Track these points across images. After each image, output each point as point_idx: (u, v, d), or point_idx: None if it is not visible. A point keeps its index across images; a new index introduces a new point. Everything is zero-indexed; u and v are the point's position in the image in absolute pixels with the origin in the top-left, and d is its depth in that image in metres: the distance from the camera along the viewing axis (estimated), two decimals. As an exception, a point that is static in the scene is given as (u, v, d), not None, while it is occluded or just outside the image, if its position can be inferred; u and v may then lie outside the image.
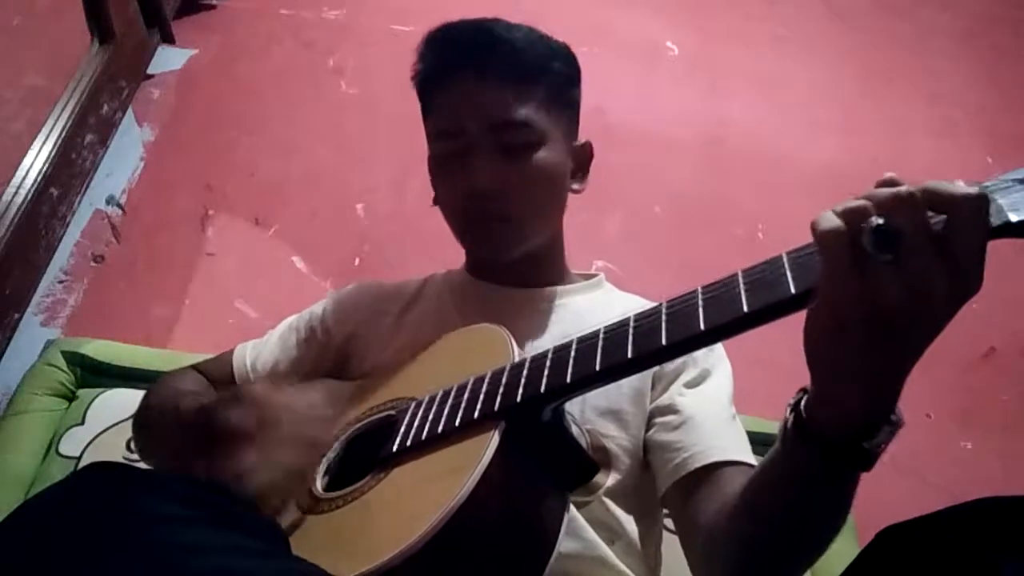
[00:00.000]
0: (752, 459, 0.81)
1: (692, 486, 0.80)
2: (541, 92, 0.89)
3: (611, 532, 0.82)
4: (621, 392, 0.86)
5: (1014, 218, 0.47)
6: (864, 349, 0.51)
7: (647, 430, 0.87)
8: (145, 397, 0.95)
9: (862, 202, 0.49)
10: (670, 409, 0.85)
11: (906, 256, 0.48)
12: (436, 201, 0.97)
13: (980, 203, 0.47)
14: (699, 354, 0.88)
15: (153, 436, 0.91)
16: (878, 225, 0.48)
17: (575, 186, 0.96)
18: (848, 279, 0.49)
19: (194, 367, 1.01)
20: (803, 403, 0.59)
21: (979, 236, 0.47)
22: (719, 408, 0.86)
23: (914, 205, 0.48)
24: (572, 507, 0.70)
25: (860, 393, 0.54)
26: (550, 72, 0.90)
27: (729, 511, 0.71)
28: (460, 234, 0.94)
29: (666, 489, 0.82)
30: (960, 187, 0.47)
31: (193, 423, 0.75)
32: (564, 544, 0.66)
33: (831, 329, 0.52)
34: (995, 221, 0.47)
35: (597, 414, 0.84)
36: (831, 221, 0.49)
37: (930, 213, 0.48)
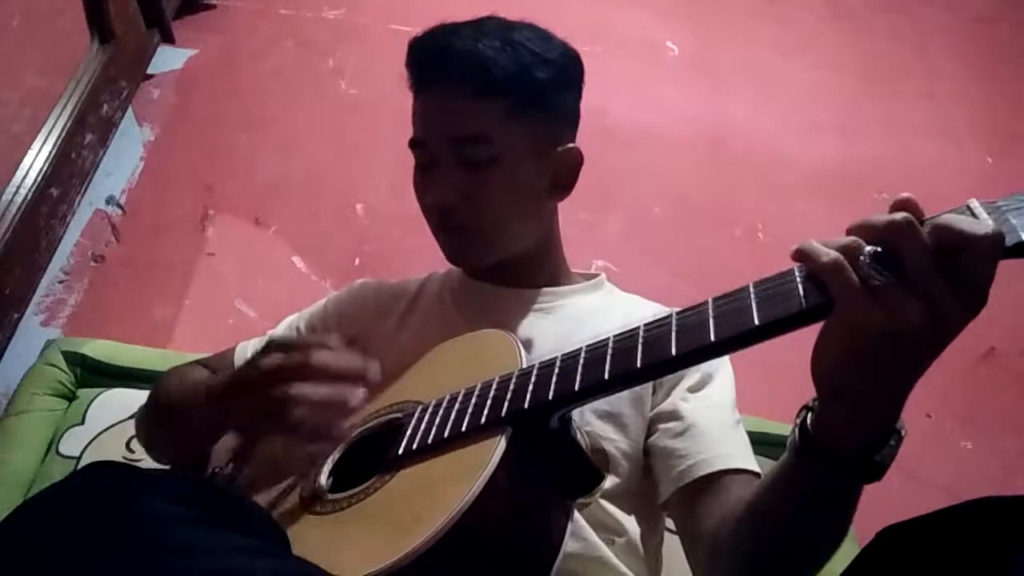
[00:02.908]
0: (755, 466, 0.81)
1: (695, 494, 0.80)
2: (505, 104, 0.86)
3: (612, 532, 0.82)
4: (621, 396, 0.86)
5: None
6: (877, 371, 0.53)
7: (649, 435, 0.86)
8: (153, 391, 0.95)
9: (850, 239, 0.51)
10: (673, 415, 0.85)
11: (911, 275, 0.49)
12: None
13: (997, 242, 0.48)
14: None
15: (169, 425, 0.90)
16: (875, 252, 0.50)
17: (556, 194, 0.94)
18: (863, 305, 0.50)
19: (198, 363, 1.01)
20: (809, 421, 0.59)
21: (992, 267, 0.48)
22: (722, 414, 0.86)
23: (911, 230, 0.49)
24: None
25: (871, 412, 0.56)
26: (523, 81, 0.86)
27: (735, 520, 0.71)
28: (436, 240, 0.94)
29: (669, 495, 0.82)
30: (973, 224, 0.48)
31: (233, 384, 0.75)
32: (566, 545, 0.66)
33: (844, 354, 0.53)
34: (1008, 242, 0.48)
35: (596, 417, 0.84)
36: (828, 255, 0.51)
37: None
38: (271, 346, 0.72)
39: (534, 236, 0.95)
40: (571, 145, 0.94)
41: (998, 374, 1.74)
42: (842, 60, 2.30)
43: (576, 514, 0.78)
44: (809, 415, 0.60)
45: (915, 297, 0.49)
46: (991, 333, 1.76)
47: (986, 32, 2.45)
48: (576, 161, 0.94)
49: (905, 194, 0.51)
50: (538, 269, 0.98)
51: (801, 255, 0.53)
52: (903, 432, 0.57)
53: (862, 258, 0.50)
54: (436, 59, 0.88)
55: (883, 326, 0.50)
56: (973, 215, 0.50)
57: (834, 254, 0.51)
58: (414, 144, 0.91)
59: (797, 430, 0.60)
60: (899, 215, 0.50)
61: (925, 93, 2.26)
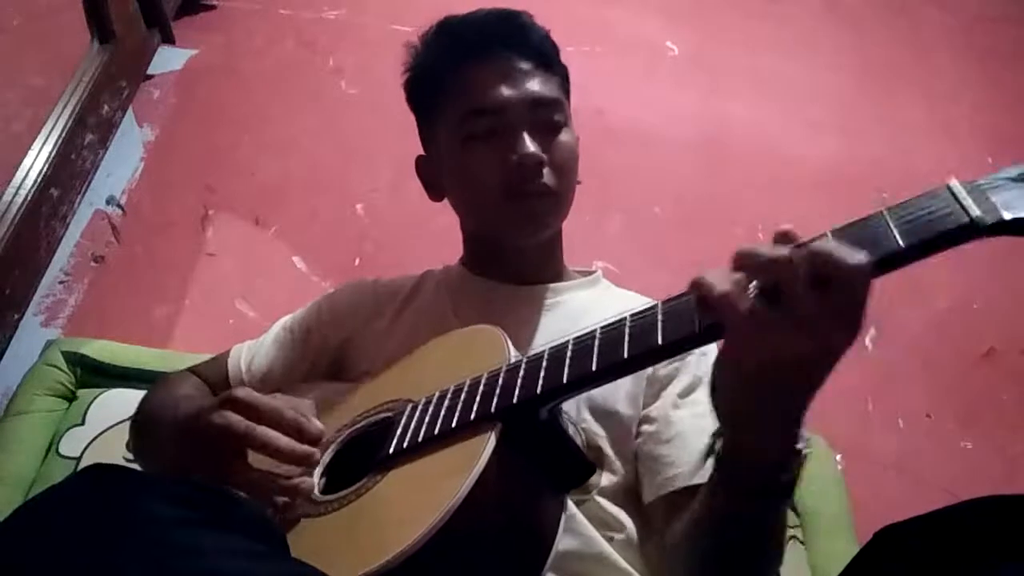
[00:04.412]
0: None
1: (675, 505, 0.80)
2: (560, 80, 0.95)
3: (610, 528, 0.82)
4: (616, 393, 0.86)
5: (1007, 216, 0.48)
6: (770, 396, 0.56)
7: (638, 436, 0.86)
8: (142, 402, 0.95)
9: (739, 275, 0.53)
10: (661, 420, 0.85)
11: (791, 307, 0.51)
12: (435, 197, 0.99)
13: (864, 272, 0.50)
14: (692, 360, 0.88)
15: (150, 442, 0.90)
16: (760, 287, 0.52)
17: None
18: (749, 337, 0.53)
19: (191, 370, 1.01)
20: (718, 448, 0.63)
21: (862, 295, 0.51)
22: (710, 423, 0.86)
23: (787, 265, 0.51)
24: (571, 505, 0.70)
25: (769, 433, 0.59)
26: (562, 65, 0.97)
27: (674, 540, 0.75)
28: (498, 212, 0.91)
29: (651, 501, 0.83)
30: (845, 254, 0.50)
31: (189, 429, 0.74)
32: (563, 542, 0.67)
33: (737, 381, 0.56)
34: (989, 219, 0.48)
35: (592, 414, 0.85)
36: (718, 289, 0.53)
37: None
38: (230, 400, 0.71)
39: (565, 216, 0.97)
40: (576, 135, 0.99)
41: (998, 374, 1.73)
42: (842, 60, 2.30)
43: (575, 510, 0.78)
44: (718, 441, 0.63)
45: (796, 328, 0.51)
46: (991, 333, 1.76)
47: (986, 32, 2.45)
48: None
49: (784, 226, 0.54)
50: (542, 266, 0.98)
51: (696, 286, 0.55)
52: (805, 451, 0.60)
53: (750, 290, 0.52)
54: (502, 29, 0.93)
55: (770, 356, 0.53)
56: (953, 196, 0.50)
57: (723, 288, 0.53)
58: (482, 112, 0.90)
59: (711, 455, 0.64)
60: (779, 252, 0.52)
61: (925, 93, 2.26)
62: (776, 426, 0.58)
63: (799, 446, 0.60)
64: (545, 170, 0.89)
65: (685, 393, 0.87)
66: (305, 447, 0.70)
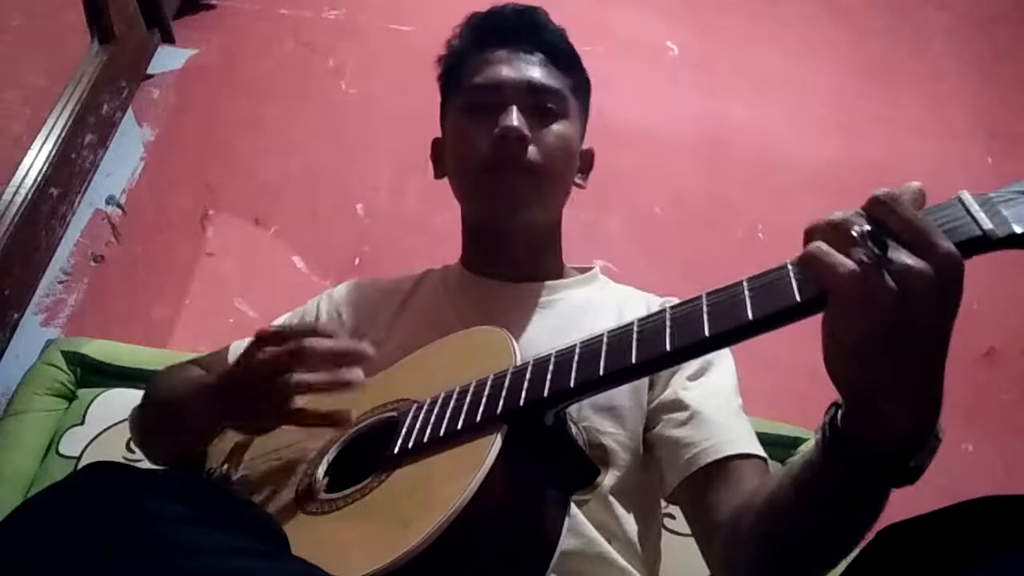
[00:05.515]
0: (761, 451, 0.82)
1: (705, 481, 0.80)
2: (570, 80, 0.98)
3: (609, 532, 0.82)
4: (618, 389, 0.86)
5: (1019, 230, 0.47)
6: (885, 364, 0.51)
7: (652, 427, 0.87)
8: (149, 386, 0.95)
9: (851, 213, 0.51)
10: (676, 405, 0.85)
11: (899, 238, 0.49)
12: (438, 175, 1.02)
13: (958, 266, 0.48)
14: None
15: (161, 422, 0.90)
16: (868, 230, 0.50)
17: (578, 179, 1.01)
18: (852, 298, 0.49)
19: (192, 362, 1.01)
20: (839, 419, 0.57)
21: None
22: (725, 401, 0.86)
23: (887, 201, 0.50)
24: (572, 505, 0.70)
25: (899, 410, 0.54)
26: (578, 69, 1.01)
27: (757, 510, 0.70)
28: (477, 185, 0.95)
29: (676, 485, 0.82)
30: (943, 241, 0.48)
31: (228, 384, 0.75)
32: (564, 542, 0.66)
33: (850, 353, 0.52)
34: (1000, 233, 0.48)
35: (594, 411, 0.85)
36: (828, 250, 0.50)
37: None
38: (261, 338, 0.73)
39: (556, 215, 0.99)
40: (589, 147, 1.03)
41: (998, 374, 1.74)
42: (842, 60, 2.30)
43: (576, 511, 0.78)
44: (839, 411, 0.57)
45: (891, 276, 0.48)
46: (991, 333, 1.76)
47: (986, 32, 2.45)
48: (592, 162, 1.04)
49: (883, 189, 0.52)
50: (541, 263, 0.99)
51: (807, 234, 0.52)
52: (941, 434, 0.56)
53: (855, 230, 0.50)
54: (525, 22, 0.99)
55: (873, 317, 0.49)
56: (965, 208, 0.49)
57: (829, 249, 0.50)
58: (482, 88, 0.95)
59: (827, 427, 0.58)
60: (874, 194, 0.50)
61: (925, 93, 2.25)
62: (901, 401, 0.53)
63: (935, 429, 0.55)
64: (530, 148, 0.91)
65: (695, 377, 0.88)
66: (352, 341, 0.73)
